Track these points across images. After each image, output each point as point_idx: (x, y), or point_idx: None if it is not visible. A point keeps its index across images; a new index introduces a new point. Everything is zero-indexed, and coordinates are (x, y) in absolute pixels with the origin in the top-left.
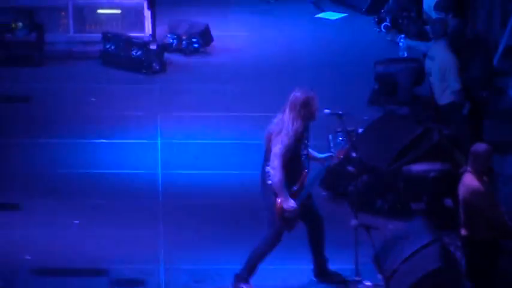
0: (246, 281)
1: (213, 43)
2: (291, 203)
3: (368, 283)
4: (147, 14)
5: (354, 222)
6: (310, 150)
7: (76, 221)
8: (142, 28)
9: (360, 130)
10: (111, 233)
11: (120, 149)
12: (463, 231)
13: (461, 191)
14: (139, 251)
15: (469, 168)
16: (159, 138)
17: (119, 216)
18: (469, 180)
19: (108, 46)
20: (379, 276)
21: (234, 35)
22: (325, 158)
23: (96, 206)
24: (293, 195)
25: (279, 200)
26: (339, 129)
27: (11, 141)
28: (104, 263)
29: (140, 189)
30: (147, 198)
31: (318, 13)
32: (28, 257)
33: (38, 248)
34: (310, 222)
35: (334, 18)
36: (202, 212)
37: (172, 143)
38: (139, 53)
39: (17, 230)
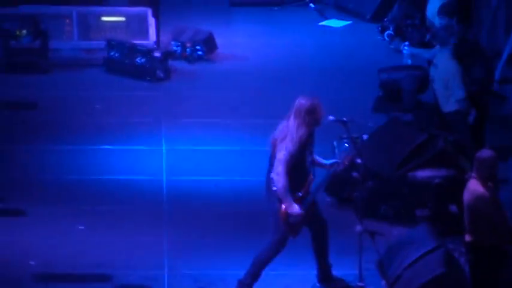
0: (250, 287)
1: (217, 50)
2: (296, 208)
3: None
4: (151, 21)
5: (358, 228)
6: (315, 156)
7: (81, 227)
8: (146, 35)
9: (365, 137)
10: (115, 238)
11: (125, 156)
12: (468, 237)
13: (466, 197)
14: (144, 257)
15: (474, 175)
16: (163, 145)
17: (123, 222)
18: (474, 186)
19: (112, 53)
20: (383, 282)
21: (238, 43)
22: (331, 164)
23: (101, 212)
24: (298, 201)
25: (284, 206)
26: (343, 136)
27: (16, 148)
28: (108, 268)
29: (145, 196)
30: (152, 205)
31: (322, 21)
32: (32, 263)
33: (42, 254)
34: (315, 228)
35: (338, 26)
36: (207, 218)
37: (176, 150)
38: (143, 60)
39: (21, 236)
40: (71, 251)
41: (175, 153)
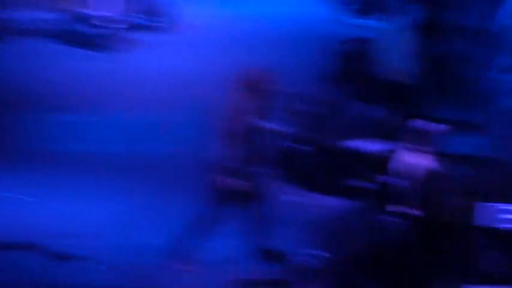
0: (186, 257)
1: (177, 21)
2: (234, 182)
3: (306, 256)
4: None
5: (295, 198)
6: (267, 124)
7: (23, 197)
8: (106, 6)
9: (311, 108)
10: (47, 208)
11: (77, 125)
12: (412, 211)
13: (408, 169)
14: (79, 226)
15: (414, 147)
16: (119, 115)
17: (60, 191)
18: (415, 159)
19: (71, 24)
20: (319, 253)
21: (196, 14)
22: (279, 132)
23: (33, 181)
24: (238, 173)
25: (221, 178)
26: (292, 107)
27: None
28: (41, 237)
29: (85, 165)
30: (91, 173)
31: None
32: None
33: None
34: (252, 200)
35: None
36: (137, 187)
37: (127, 120)
38: (101, 31)
39: None
40: (8, 219)
41: (128, 123)
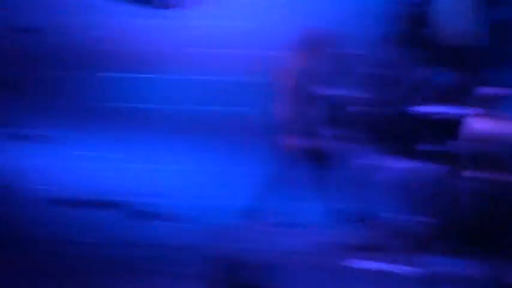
0: (262, 219)
1: None
2: (297, 141)
3: (388, 220)
4: None
5: (361, 161)
6: (323, 87)
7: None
8: None
9: (372, 70)
10: (128, 166)
11: (135, 84)
12: (497, 175)
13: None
14: (155, 185)
15: (479, 112)
16: (172, 75)
17: (136, 150)
18: (481, 124)
19: None
20: (401, 215)
21: None
22: (339, 95)
23: (112, 139)
24: (305, 134)
25: (286, 137)
26: (353, 69)
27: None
28: (120, 196)
29: (160, 124)
30: (165, 133)
31: None
32: (47, 187)
33: (59, 179)
34: (321, 161)
35: None
36: (205, 148)
37: (184, 79)
38: None
39: (40, 160)
40: (84, 177)
41: (184, 83)
